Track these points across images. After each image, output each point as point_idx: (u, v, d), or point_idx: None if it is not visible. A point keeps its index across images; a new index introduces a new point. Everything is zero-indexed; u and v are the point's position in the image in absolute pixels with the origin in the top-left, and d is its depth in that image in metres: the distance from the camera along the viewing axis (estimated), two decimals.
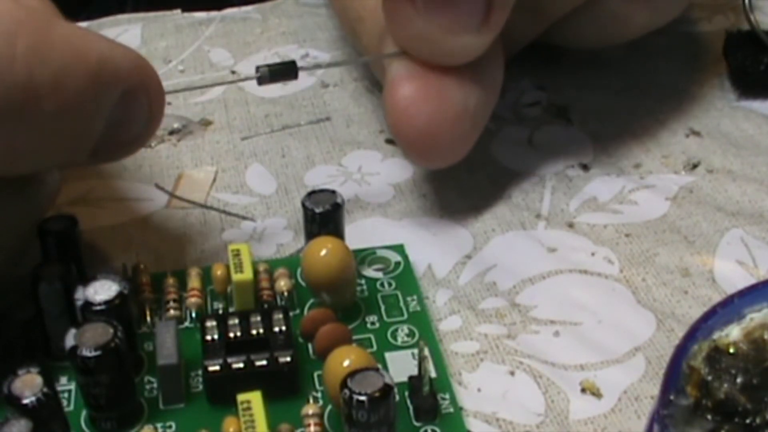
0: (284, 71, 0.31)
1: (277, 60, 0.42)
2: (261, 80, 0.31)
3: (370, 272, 0.31)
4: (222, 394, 0.26)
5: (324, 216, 0.29)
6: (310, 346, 0.28)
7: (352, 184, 0.35)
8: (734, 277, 0.31)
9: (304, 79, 0.41)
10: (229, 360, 0.26)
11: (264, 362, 0.26)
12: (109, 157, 0.29)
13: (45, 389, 0.24)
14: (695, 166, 0.36)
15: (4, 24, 0.24)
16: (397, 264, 0.31)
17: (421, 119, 0.30)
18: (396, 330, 0.29)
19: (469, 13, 0.29)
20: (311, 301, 0.29)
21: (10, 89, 0.24)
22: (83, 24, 0.44)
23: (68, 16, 0.27)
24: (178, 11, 0.45)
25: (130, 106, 0.27)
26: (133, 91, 0.27)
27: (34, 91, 0.24)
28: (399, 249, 0.31)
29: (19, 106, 0.24)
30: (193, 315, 0.29)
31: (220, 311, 0.29)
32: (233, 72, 0.42)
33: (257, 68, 0.31)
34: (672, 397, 0.21)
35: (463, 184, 0.35)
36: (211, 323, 0.27)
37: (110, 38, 0.27)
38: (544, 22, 0.36)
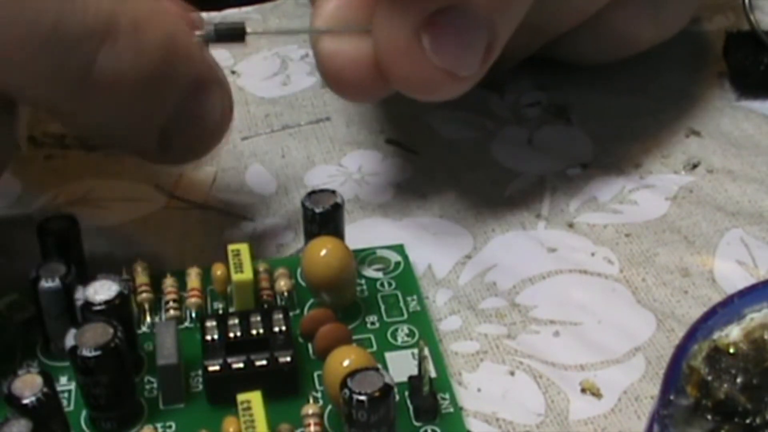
0: (231, 33, 0.30)
1: (277, 60, 0.42)
2: (206, 39, 0.30)
3: (370, 272, 0.31)
4: (222, 394, 0.26)
5: (324, 216, 0.29)
6: (310, 346, 0.28)
7: (352, 184, 0.35)
8: (734, 277, 0.31)
9: (304, 79, 0.41)
10: (229, 360, 0.26)
11: (264, 362, 0.26)
12: (178, 153, 0.29)
13: (45, 389, 0.24)
14: (695, 166, 0.36)
15: None
16: (397, 264, 0.31)
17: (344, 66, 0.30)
18: (396, 330, 0.29)
19: (473, 54, 0.29)
20: (311, 301, 0.29)
21: (95, 16, 0.25)
22: None
23: None
24: None
25: (203, 96, 0.28)
26: (207, 83, 0.28)
27: (115, 24, 0.25)
28: (399, 249, 0.31)
29: (98, 37, 0.25)
30: (193, 315, 0.29)
31: (220, 311, 0.29)
32: (233, 72, 0.42)
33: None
34: (672, 397, 0.21)
35: (463, 184, 0.35)
36: (211, 323, 0.27)
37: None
38: (542, 39, 0.36)
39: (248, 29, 0.30)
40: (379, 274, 0.30)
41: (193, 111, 0.28)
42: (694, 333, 0.22)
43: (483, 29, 0.29)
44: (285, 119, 0.39)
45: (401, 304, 0.29)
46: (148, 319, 0.29)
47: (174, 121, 0.28)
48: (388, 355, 0.28)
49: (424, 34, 0.28)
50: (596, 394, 0.27)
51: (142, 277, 0.30)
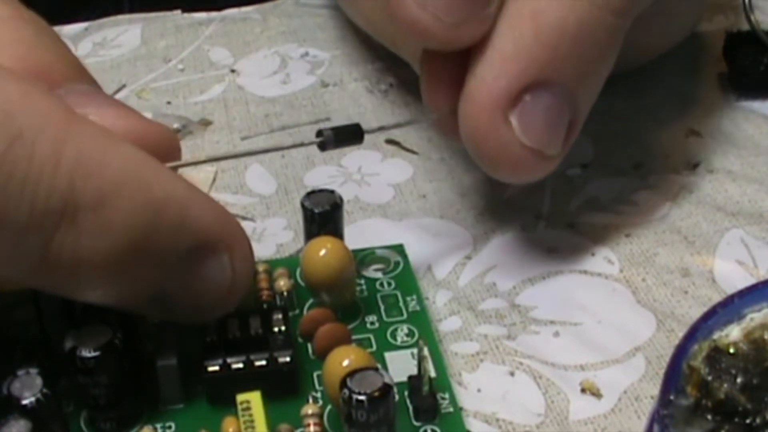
0: (349, 136, 0.29)
1: (277, 59, 0.42)
2: (324, 145, 0.29)
3: (369, 272, 0.31)
4: (221, 394, 0.26)
5: (323, 216, 0.29)
6: (309, 346, 0.28)
7: (352, 185, 0.35)
8: (734, 277, 0.31)
9: (304, 79, 0.41)
10: (229, 360, 0.26)
11: (263, 362, 0.26)
12: (178, 314, 0.26)
13: (44, 390, 0.24)
14: (695, 166, 0.35)
15: (55, 130, 0.23)
16: (397, 264, 0.31)
17: None
18: (395, 330, 0.29)
19: (559, 132, 0.29)
20: (311, 301, 0.29)
21: (45, 200, 0.22)
22: (83, 24, 0.44)
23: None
24: (178, 12, 0.45)
25: (203, 264, 0.25)
26: (209, 248, 0.25)
27: (73, 202, 0.22)
28: (398, 249, 0.31)
29: (51, 220, 0.22)
30: None
31: None
32: (233, 71, 0.42)
33: (320, 132, 0.29)
34: (672, 397, 0.21)
35: (463, 184, 0.35)
36: (210, 323, 0.27)
37: (198, 189, 0.25)
38: None
39: (364, 128, 0.30)
40: (379, 274, 0.30)
41: (190, 281, 0.25)
42: (694, 333, 0.22)
43: (567, 106, 0.29)
44: (285, 119, 0.39)
45: (401, 304, 0.29)
46: (149, 319, 0.29)
47: (166, 293, 0.25)
48: (387, 355, 0.28)
49: (512, 114, 0.28)
50: (596, 394, 0.27)
51: None
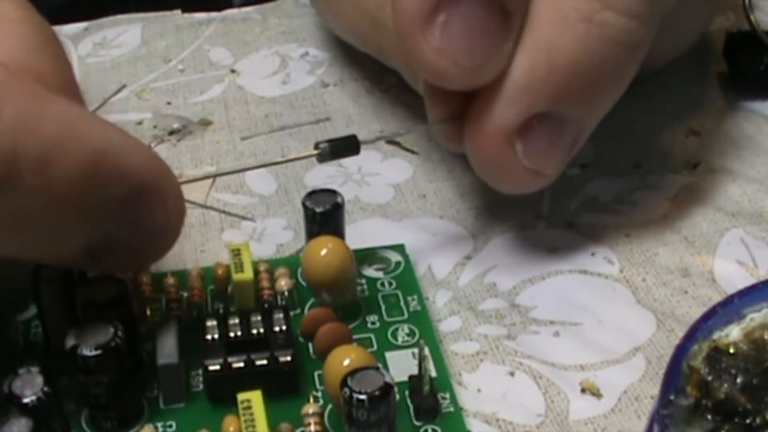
0: (346, 148, 0.30)
1: (277, 59, 0.42)
2: (322, 157, 0.30)
3: (370, 272, 0.31)
4: (222, 393, 0.26)
5: (324, 216, 0.29)
6: (310, 345, 0.28)
7: (352, 185, 0.35)
8: (734, 277, 0.31)
9: (304, 79, 0.41)
10: (230, 359, 0.26)
11: (264, 362, 0.26)
12: (114, 263, 0.26)
13: (45, 388, 0.24)
14: (695, 166, 0.36)
15: None
16: (398, 263, 0.31)
17: None
18: (396, 329, 0.29)
19: (561, 154, 0.30)
20: (311, 300, 0.29)
21: None
22: (83, 24, 0.44)
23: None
24: (178, 12, 0.45)
25: (138, 209, 0.25)
26: (143, 192, 0.25)
27: (16, 163, 0.22)
28: (399, 249, 0.31)
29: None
30: (194, 315, 0.29)
31: (221, 311, 0.29)
32: (233, 71, 0.42)
33: (316, 144, 0.30)
34: (672, 397, 0.21)
35: (463, 184, 0.35)
36: (211, 323, 0.27)
37: (126, 132, 0.25)
38: None
39: (360, 138, 0.30)
40: (380, 274, 0.30)
41: (128, 226, 0.25)
42: (694, 333, 0.22)
43: (572, 131, 0.30)
44: (285, 119, 0.39)
45: (402, 303, 0.29)
46: (149, 318, 0.29)
47: (106, 239, 0.25)
48: (388, 355, 0.28)
49: (518, 141, 0.29)
50: (596, 394, 0.28)
51: (142, 277, 0.30)
